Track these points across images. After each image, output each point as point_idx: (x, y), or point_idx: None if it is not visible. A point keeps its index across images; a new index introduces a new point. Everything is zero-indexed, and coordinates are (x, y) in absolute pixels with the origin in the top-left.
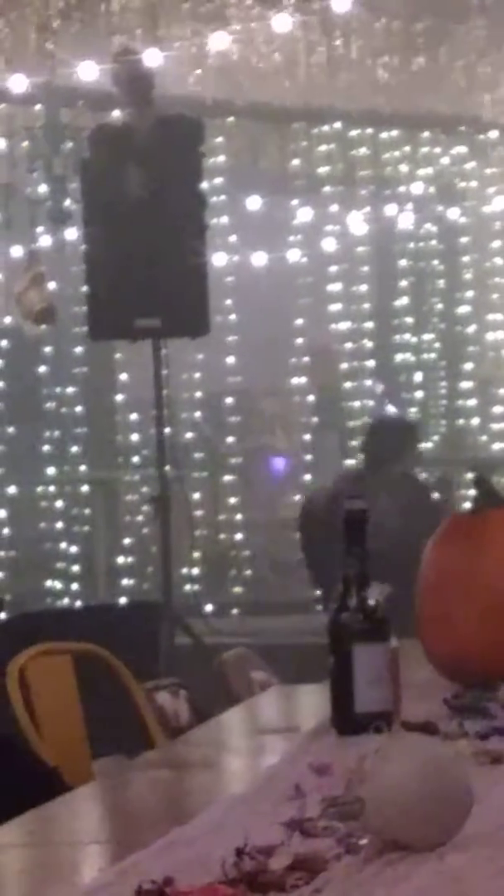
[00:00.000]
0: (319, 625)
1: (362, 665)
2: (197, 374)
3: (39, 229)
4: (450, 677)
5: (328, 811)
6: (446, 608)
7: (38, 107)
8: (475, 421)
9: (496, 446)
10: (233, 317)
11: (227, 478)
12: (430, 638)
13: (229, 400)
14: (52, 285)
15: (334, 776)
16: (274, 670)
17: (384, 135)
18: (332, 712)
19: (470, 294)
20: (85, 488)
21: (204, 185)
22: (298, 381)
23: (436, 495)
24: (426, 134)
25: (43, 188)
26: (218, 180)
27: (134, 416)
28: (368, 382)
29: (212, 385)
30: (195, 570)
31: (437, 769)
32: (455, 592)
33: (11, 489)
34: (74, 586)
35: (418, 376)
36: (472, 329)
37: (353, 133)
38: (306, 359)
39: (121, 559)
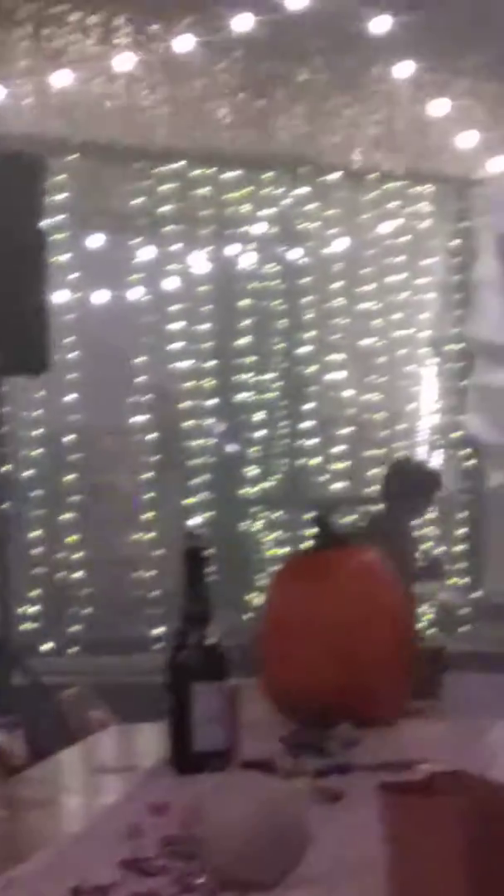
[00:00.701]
0: (158, 663)
1: (200, 703)
2: (37, 412)
3: None
4: (288, 715)
5: (165, 850)
6: (286, 646)
7: None
8: (316, 461)
9: (336, 486)
10: (74, 354)
11: (67, 515)
12: (270, 676)
13: (70, 438)
14: None
15: (172, 815)
16: (112, 709)
17: (226, 175)
18: (170, 751)
19: (311, 334)
20: None
21: (45, 222)
22: (139, 419)
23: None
24: (268, 175)
25: None
26: (60, 218)
27: None
28: (210, 421)
29: (52, 423)
30: (33, 609)
31: (274, 808)
32: (294, 631)
33: None
34: None
35: (260, 415)
36: (313, 369)
37: (195, 173)
38: (147, 397)
39: None
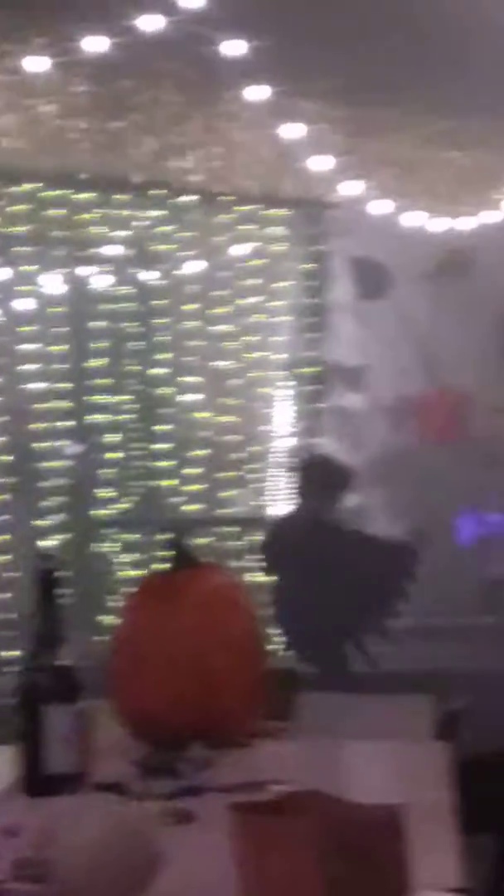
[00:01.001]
0: (11, 685)
1: (52, 726)
2: None
3: None
4: (140, 737)
5: (17, 873)
6: (137, 668)
7: None
8: (170, 482)
9: (191, 508)
10: None
11: None
12: (122, 698)
13: None
14: None
15: (24, 838)
16: None
17: (79, 196)
18: (23, 773)
19: (166, 356)
20: None
21: None
22: None
23: None
24: (122, 197)
25: None
26: None
27: None
28: (64, 443)
29: None
30: None
31: (126, 830)
32: (146, 653)
33: None
34: None
35: (114, 437)
36: (167, 391)
37: (49, 193)
38: (1, 419)
39: None
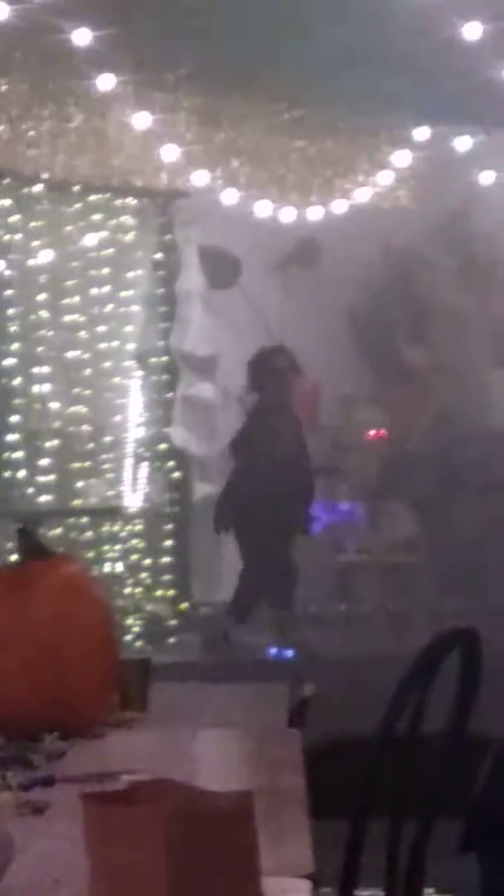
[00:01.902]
0: None
1: None
2: None
3: None
4: None
5: None
6: None
7: None
8: (21, 473)
9: (42, 499)
10: None
11: None
12: None
13: None
14: None
15: None
16: None
17: None
18: None
19: (15, 346)
20: None
21: None
22: None
23: None
24: None
25: None
26: None
27: None
28: None
29: None
30: None
31: None
32: None
33: None
34: None
35: None
36: (17, 381)
37: None
38: None
39: None
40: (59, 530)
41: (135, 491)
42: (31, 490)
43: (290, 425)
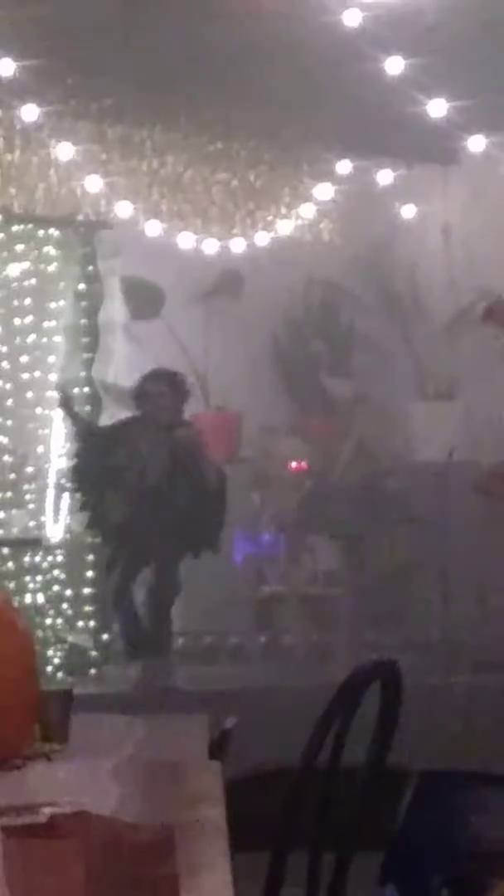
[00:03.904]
0: None
1: None
2: None
3: None
4: None
5: None
6: None
7: None
8: None
9: None
10: None
11: None
12: None
13: None
14: None
15: None
16: None
17: None
18: None
19: None
20: None
21: None
22: None
23: None
24: None
25: None
26: None
27: None
28: None
29: None
30: None
31: None
32: None
33: None
34: None
35: None
36: None
37: None
38: None
39: None
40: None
41: (56, 522)
42: None
43: (163, 444)
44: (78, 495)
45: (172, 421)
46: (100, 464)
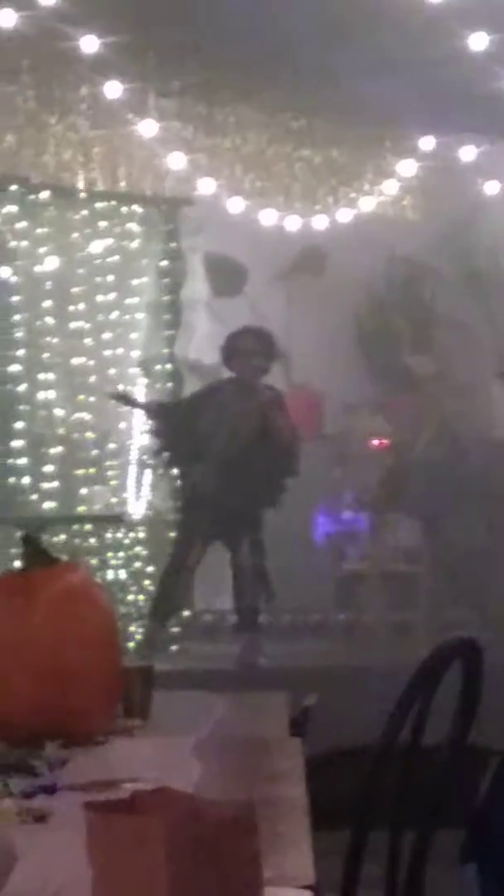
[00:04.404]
0: None
1: None
2: None
3: None
4: None
5: None
6: None
7: None
8: (26, 480)
9: (46, 505)
10: None
11: None
12: None
13: None
14: None
15: None
16: None
17: None
18: None
19: (21, 352)
20: None
21: None
22: None
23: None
24: None
25: None
26: None
27: None
28: None
29: None
30: None
31: None
32: (1, 651)
33: None
34: None
35: None
36: (22, 388)
37: None
38: None
39: None
40: (62, 537)
41: (138, 498)
42: (34, 496)
43: (252, 405)
44: (171, 472)
45: (257, 380)
46: (185, 436)
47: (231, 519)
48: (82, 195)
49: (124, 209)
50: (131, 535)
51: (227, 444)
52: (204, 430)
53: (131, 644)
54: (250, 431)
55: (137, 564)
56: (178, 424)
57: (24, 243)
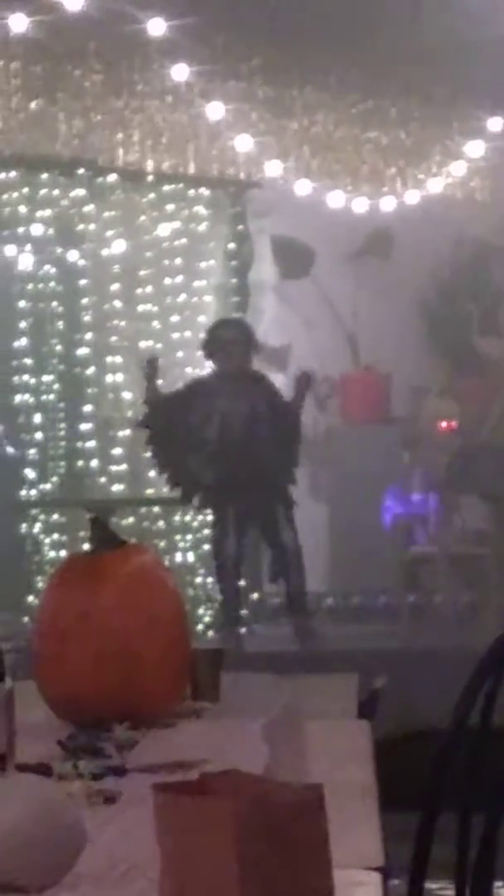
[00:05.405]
0: None
1: None
2: None
3: None
4: (65, 717)
5: None
6: (62, 649)
7: None
8: (94, 462)
9: (115, 488)
10: None
11: None
12: (46, 678)
13: None
14: None
15: None
16: None
17: (1, 176)
18: None
19: (89, 336)
20: None
21: None
22: None
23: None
24: (45, 176)
25: None
26: None
27: None
28: None
29: None
30: None
31: (49, 810)
32: (70, 633)
33: None
34: None
35: (38, 417)
36: (91, 371)
37: None
38: None
39: None
40: (130, 520)
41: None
42: (103, 479)
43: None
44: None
45: (244, 369)
46: (175, 427)
47: (253, 501)
48: (150, 178)
49: (192, 192)
50: (199, 517)
51: (218, 435)
52: (194, 422)
53: (199, 626)
54: (244, 420)
55: (205, 547)
56: (168, 418)
57: (92, 226)
